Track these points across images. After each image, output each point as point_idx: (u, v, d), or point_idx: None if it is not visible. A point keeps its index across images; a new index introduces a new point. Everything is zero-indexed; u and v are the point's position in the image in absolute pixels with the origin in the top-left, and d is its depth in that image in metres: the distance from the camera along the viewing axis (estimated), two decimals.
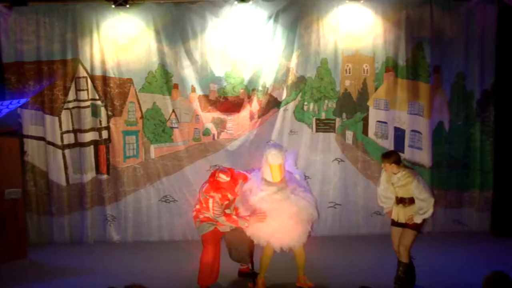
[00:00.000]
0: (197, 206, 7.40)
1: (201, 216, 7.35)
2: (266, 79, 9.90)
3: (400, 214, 7.09)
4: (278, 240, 7.20)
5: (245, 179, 7.55)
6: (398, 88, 10.01)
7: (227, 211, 7.43)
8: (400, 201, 7.05)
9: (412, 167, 9.42)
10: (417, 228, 7.08)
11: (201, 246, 7.50)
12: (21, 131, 9.62)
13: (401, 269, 7.07)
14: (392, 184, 7.06)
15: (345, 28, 9.88)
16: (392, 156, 7.02)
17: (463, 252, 9.03)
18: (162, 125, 9.94)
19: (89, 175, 9.87)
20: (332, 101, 10.04)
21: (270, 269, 7.62)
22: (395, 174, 6.98)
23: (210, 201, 7.20)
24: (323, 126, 10.07)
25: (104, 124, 9.87)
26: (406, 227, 7.06)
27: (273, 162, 7.10)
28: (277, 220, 7.12)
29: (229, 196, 7.35)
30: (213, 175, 7.34)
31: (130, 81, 9.83)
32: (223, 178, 7.24)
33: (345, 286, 7.57)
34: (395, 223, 7.21)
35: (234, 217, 7.31)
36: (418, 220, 6.96)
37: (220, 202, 7.25)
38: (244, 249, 7.65)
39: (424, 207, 6.91)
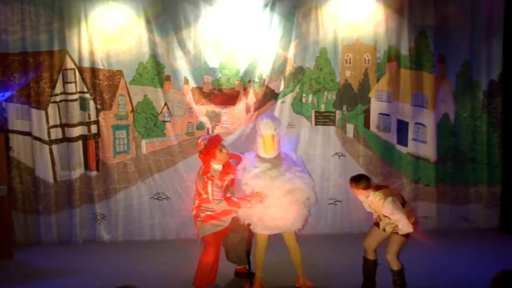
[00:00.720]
0: (196, 201, 7.27)
1: (202, 215, 7.22)
2: (263, 70, 9.81)
3: (387, 226, 6.95)
4: (272, 220, 7.06)
5: (239, 160, 7.54)
6: (401, 78, 9.96)
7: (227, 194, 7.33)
8: (385, 216, 6.90)
9: (417, 161, 10.02)
10: (405, 234, 6.90)
11: (195, 245, 7.49)
12: (6, 125, 9.48)
13: (396, 278, 6.94)
14: (368, 206, 6.97)
15: (345, 16, 9.81)
16: (361, 183, 6.80)
17: (471, 250, 8.97)
18: (154, 119, 9.84)
19: (78, 172, 9.76)
20: (332, 93, 9.97)
21: (268, 269, 7.60)
22: (367, 197, 6.85)
23: (209, 185, 7.03)
24: (323, 119, 10.01)
25: (93, 118, 9.74)
26: (393, 233, 6.91)
27: (265, 132, 7.02)
28: (270, 198, 7.01)
29: (226, 178, 7.27)
30: (200, 146, 7.26)
31: (120, 73, 9.71)
32: (203, 143, 7.21)
33: (346, 286, 7.51)
34: (379, 226, 7.06)
35: (235, 199, 7.17)
36: (402, 233, 6.82)
37: (219, 183, 7.09)
38: (242, 250, 7.62)
39: (400, 227, 6.77)
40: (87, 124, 9.77)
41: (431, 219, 10.16)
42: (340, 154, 10.05)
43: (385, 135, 10.04)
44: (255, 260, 7.41)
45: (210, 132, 9.79)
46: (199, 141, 7.30)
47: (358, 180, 6.85)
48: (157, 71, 9.73)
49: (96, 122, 9.78)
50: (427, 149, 10.05)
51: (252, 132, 9.62)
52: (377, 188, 6.89)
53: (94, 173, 9.80)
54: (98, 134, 9.79)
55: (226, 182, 7.30)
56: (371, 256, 7.16)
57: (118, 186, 9.86)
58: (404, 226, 6.72)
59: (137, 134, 9.85)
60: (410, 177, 10.11)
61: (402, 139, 10.03)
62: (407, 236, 6.83)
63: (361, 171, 9.63)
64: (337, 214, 10.11)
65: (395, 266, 6.89)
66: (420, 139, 10.06)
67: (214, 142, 7.17)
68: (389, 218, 6.83)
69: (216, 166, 7.20)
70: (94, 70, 9.66)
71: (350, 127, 10.07)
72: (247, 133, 9.81)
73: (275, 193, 7.02)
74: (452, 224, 10.18)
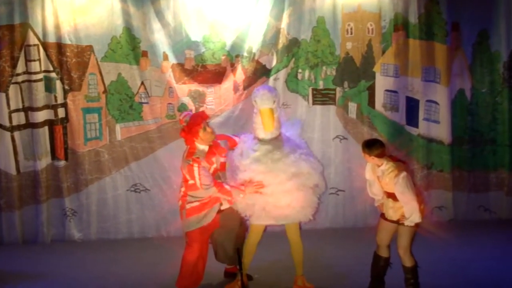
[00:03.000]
0: (182, 189, 7.17)
1: (188, 207, 7.09)
2: (252, 43, 9.72)
3: (390, 210, 6.80)
4: (276, 208, 6.92)
5: (234, 144, 7.41)
6: (410, 50, 9.91)
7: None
8: (389, 195, 6.76)
9: (429, 143, 9.99)
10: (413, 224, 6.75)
11: (179, 243, 7.45)
12: None
13: (408, 276, 6.81)
14: (377, 177, 6.80)
15: None
16: (374, 148, 6.64)
17: (492, 244, 8.91)
18: (129, 100, 9.73)
19: (44, 162, 9.63)
20: (331, 68, 9.90)
21: (263, 269, 7.68)
22: (379, 166, 6.71)
23: (195, 168, 6.86)
24: (321, 97, 9.92)
25: (60, 100, 9.60)
26: (400, 224, 6.76)
27: (262, 106, 6.86)
28: (273, 183, 6.87)
29: (214, 159, 7.14)
30: (182, 123, 7.19)
31: (90, 48, 9.61)
32: (185, 119, 7.11)
33: (350, 287, 7.42)
34: (385, 217, 6.93)
35: (227, 186, 7.00)
36: (408, 223, 6.65)
37: (207, 165, 6.97)
38: (232, 248, 7.48)
39: (406, 211, 6.61)
40: (54, 108, 9.61)
41: (446, 209, 10.08)
42: (341, 137, 9.95)
43: (393, 114, 9.97)
44: (244, 255, 7.28)
45: None
46: (181, 117, 7.24)
47: (372, 146, 6.67)
48: (132, 46, 9.62)
49: (64, 105, 9.63)
50: (441, 130, 9.99)
51: (241, 114, 9.66)
52: (392, 159, 6.73)
53: (62, 163, 9.68)
54: (66, 119, 9.65)
55: (214, 165, 7.16)
56: (383, 253, 7.00)
57: (90, 177, 9.75)
58: (413, 213, 6.54)
59: (111, 118, 9.73)
60: (422, 162, 10.04)
61: (412, 119, 9.98)
62: (416, 225, 6.68)
63: None
64: (340, 205, 10.06)
65: (408, 262, 6.76)
66: (432, 118, 9.98)
67: (196, 119, 7.03)
68: (393, 201, 6.68)
69: (202, 146, 7.08)
70: (60, 46, 9.52)
71: (352, 106, 9.97)
72: (236, 115, 9.74)
73: (279, 177, 6.87)
74: (470, 215, 10.15)
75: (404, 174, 6.53)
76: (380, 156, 6.62)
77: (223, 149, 7.34)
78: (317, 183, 7.11)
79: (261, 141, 7.00)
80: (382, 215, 6.93)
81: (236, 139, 7.45)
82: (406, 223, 6.61)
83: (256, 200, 6.92)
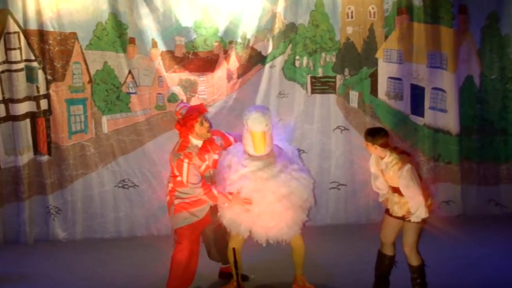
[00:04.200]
0: (170, 185, 7.15)
1: (176, 202, 7.07)
2: (247, 29, 9.66)
3: (395, 206, 6.73)
4: (263, 229, 6.91)
5: (228, 144, 7.36)
6: (414, 34, 9.86)
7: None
8: (394, 190, 6.69)
9: (436, 134, 9.91)
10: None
11: (171, 242, 7.32)
12: None
13: (415, 275, 6.75)
14: (381, 170, 6.72)
15: None
16: (378, 136, 6.56)
17: (503, 241, 8.84)
18: (116, 90, 9.67)
19: (26, 157, 9.57)
20: (331, 54, 9.85)
21: (259, 269, 7.68)
22: (382, 158, 6.64)
23: (185, 164, 6.83)
24: (321, 86, 9.84)
25: (42, 91, 9.54)
26: (405, 220, 6.71)
27: (254, 129, 6.81)
28: (261, 204, 6.82)
29: (207, 157, 7.09)
30: (178, 115, 7.14)
31: (74, 36, 9.52)
32: (182, 112, 7.04)
33: (352, 287, 7.39)
34: (390, 213, 6.88)
35: (215, 191, 6.95)
36: (415, 219, 6.58)
37: (198, 162, 6.95)
38: (226, 246, 7.39)
39: (412, 206, 6.55)
40: (36, 99, 9.55)
41: (455, 203, 10.03)
42: (342, 128, 9.88)
43: (397, 103, 9.91)
44: (229, 260, 7.27)
45: None
46: (177, 109, 7.16)
47: (376, 134, 6.57)
48: (118, 33, 9.56)
49: (47, 96, 9.57)
50: (448, 120, 9.93)
51: (235, 104, 9.63)
52: (396, 151, 6.63)
53: (45, 157, 9.62)
54: (49, 111, 9.59)
55: (206, 162, 7.12)
56: (388, 251, 6.94)
57: (75, 173, 9.68)
58: (419, 207, 6.45)
59: (97, 109, 9.68)
60: (428, 153, 10.00)
61: (418, 108, 9.94)
62: (422, 221, 6.62)
63: None
64: (341, 200, 9.98)
65: (415, 261, 6.70)
66: (439, 107, 9.93)
67: (193, 113, 7.00)
68: (399, 196, 6.58)
69: (196, 141, 7.06)
70: (42, 34, 9.45)
71: (354, 95, 9.92)
72: (229, 105, 9.70)
73: (267, 198, 6.85)
74: (480, 210, 10.09)
75: (408, 166, 6.44)
76: (384, 146, 6.52)
77: (218, 146, 7.29)
78: (306, 198, 7.06)
79: (251, 156, 6.95)
80: (387, 211, 6.85)
81: (231, 138, 7.40)
82: (412, 219, 6.52)
83: (242, 220, 6.92)
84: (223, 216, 7.00)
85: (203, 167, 7.04)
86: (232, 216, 6.93)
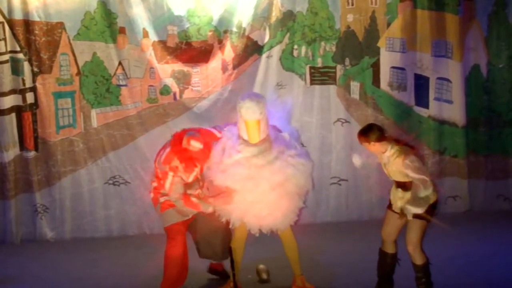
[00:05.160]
0: (154, 184, 7.14)
1: (162, 200, 7.05)
2: (242, 17, 9.65)
3: (398, 202, 6.63)
4: (256, 218, 6.84)
5: (215, 139, 7.32)
6: (418, 22, 9.87)
7: (191, 191, 7.03)
8: (399, 185, 6.64)
9: (441, 126, 9.92)
10: (423, 216, 6.52)
11: (163, 241, 7.25)
12: None
13: (420, 275, 6.65)
14: (384, 165, 6.67)
15: None
16: (371, 133, 6.51)
17: (511, 237, 8.81)
18: (106, 83, 9.63)
19: (11, 153, 9.51)
20: (331, 43, 9.82)
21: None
22: (383, 153, 6.55)
23: (170, 176, 6.80)
24: (320, 76, 9.81)
25: (28, 84, 9.49)
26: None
27: (248, 117, 6.74)
28: (255, 192, 6.75)
29: (196, 169, 7.06)
30: (178, 139, 6.97)
31: (61, 25, 9.46)
32: (196, 146, 6.84)
33: (355, 287, 7.28)
34: (393, 209, 6.84)
35: (194, 199, 6.92)
36: (409, 215, 6.46)
37: (184, 177, 6.88)
38: (217, 241, 7.39)
39: (420, 193, 6.38)
40: (22, 92, 9.50)
41: (461, 198, 10.03)
42: (343, 121, 9.86)
43: (400, 94, 9.93)
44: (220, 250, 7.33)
45: (177, 97, 9.69)
46: (192, 143, 6.81)
47: (368, 131, 6.51)
48: (108, 22, 9.52)
49: (33, 89, 9.52)
50: (454, 111, 9.95)
51: (231, 96, 9.55)
52: (398, 143, 6.59)
53: (32, 153, 9.58)
54: (35, 105, 9.55)
55: (196, 169, 7.08)
56: (389, 249, 6.85)
57: (63, 170, 9.63)
58: (427, 189, 6.32)
59: (86, 102, 9.64)
60: (433, 147, 9.99)
61: (422, 99, 9.94)
62: (428, 218, 6.50)
63: None
64: (342, 196, 9.95)
65: (419, 259, 6.58)
66: (444, 98, 9.94)
67: (198, 158, 6.94)
68: (403, 191, 6.47)
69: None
70: (28, 24, 9.41)
71: (355, 86, 9.90)
72: (224, 97, 9.66)
73: (261, 186, 6.78)
74: (488, 205, 10.10)
75: (412, 156, 6.40)
76: (380, 139, 6.46)
77: (207, 153, 7.13)
78: (303, 184, 7.02)
79: (246, 141, 6.88)
80: (389, 206, 6.78)
81: (218, 134, 7.35)
82: (409, 210, 6.39)
83: (234, 207, 6.90)
84: (216, 207, 6.97)
85: (193, 175, 7.02)
86: (224, 206, 6.91)
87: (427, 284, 6.62)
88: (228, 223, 7.28)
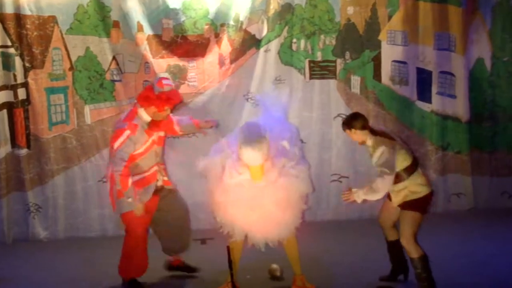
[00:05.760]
0: (110, 168, 7.27)
1: (120, 186, 7.17)
2: (239, 10, 9.61)
3: (392, 194, 6.90)
4: (261, 233, 6.87)
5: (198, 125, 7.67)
6: (420, 14, 9.84)
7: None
8: None
9: (444, 121, 9.93)
10: (417, 207, 6.72)
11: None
12: None
13: (418, 270, 6.72)
14: (370, 156, 6.89)
15: None
16: (353, 121, 6.78)
17: None
18: (100, 78, 9.58)
19: (3, 151, 9.47)
20: (331, 36, 9.80)
21: (256, 268, 7.55)
22: (365, 143, 6.83)
23: (125, 134, 6.93)
24: (320, 70, 9.81)
25: (20, 79, 9.43)
26: (403, 208, 6.81)
27: (251, 164, 6.67)
28: (258, 211, 6.74)
29: (155, 133, 7.24)
30: (144, 95, 7.16)
31: (53, 19, 9.39)
32: (169, 84, 7.14)
33: (356, 287, 7.29)
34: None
35: (130, 180, 7.04)
36: (357, 198, 6.78)
37: (143, 139, 7.05)
38: (181, 234, 7.65)
39: (377, 183, 6.60)
40: (13, 88, 9.45)
41: (465, 196, 10.02)
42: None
43: (402, 88, 9.90)
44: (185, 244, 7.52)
45: None
46: (164, 82, 7.13)
47: (351, 119, 6.80)
48: (101, 16, 9.47)
49: (25, 85, 9.46)
50: (457, 106, 9.94)
51: (228, 91, 9.63)
52: (379, 134, 6.80)
53: (24, 151, 9.52)
54: (27, 101, 9.50)
55: (153, 138, 7.25)
56: (389, 237, 7.15)
57: (56, 167, 9.58)
58: (378, 188, 6.58)
59: (79, 98, 9.59)
60: (436, 142, 9.99)
61: (424, 93, 9.92)
62: (422, 210, 6.70)
63: None
64: None
65: (414, 252, 6.68)
66: (447, 92, 9.92)
67: (170, 102, 7.11)
68: (393, 183, 6.68)
69: (146, 116, 7.16)
70: (19, 17, 9.34)
71: (355, 80, 9.89)
72: (221, 93, 9.65)
73: (265, 206, 6.77)
74: (493, 202, 10.06)
75: (385, 148, 6.57)
76: (362, 128, 6.70)
77: (169, 124, 7.45)
78: (306, 191, 7.03)
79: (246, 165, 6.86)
80: (389, 196, 6.95)
81: (176, 128, 7.58)
82: (356, 195, 6.68)
83: (236, 225, 6.88)
84: (217, 214, 6.94)
85: (149, 142, 7.13)
86: (228, 218, 6.86)
87: (428, 280, 6.65)
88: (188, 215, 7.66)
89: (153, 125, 7.12)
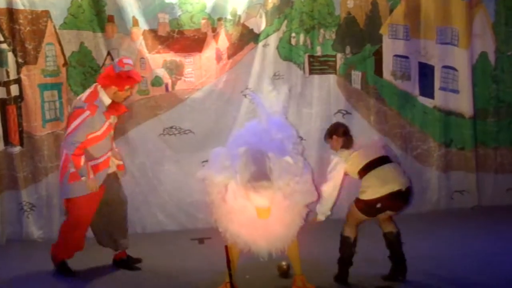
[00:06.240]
0: (65, 151, 7.45)
1: (72, 170, 7.29)
2: (237, 4, 9.59)
3: None
4: (266, 244, 6.83)
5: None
6: (422, 8, 9.85)
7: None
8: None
9: (447, 117, 9.95)
10: (357, 204, 7.15)
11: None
12: None
13: (340, 246, 7.33)
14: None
15: None
16: (339, 129, 7.42)
17: None
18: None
19: None
20: (331, 31, 9.78)
21: (255, 268, 7.46)
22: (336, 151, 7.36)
23: (84, 115, 7.10)
24: (319, 65, 9.78)
25: (13, 76, 9.32)
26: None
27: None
28: (263, 229, 6.72)
29: (112, 117, 7.45)
30: (105, 75, 7.43)
31: (46, 14, 9.32)
32: (129, 63, 7.40)
33: (357, 287, 7.26)
34: None
35: (83, 160, 7.23)
36: (321, 217, 7.38)
37: (101, 121, 7.24)
38: (121, 231, 7.80)
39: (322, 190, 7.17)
40: (6, 85, 9.35)
41: (469, 193, 10.01)
42: (344, 112, 9.80)
43: (404, 84, 9.90)
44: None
45: (170, 89, 9.61)
46: (124, 61, 7.42)
47: (337, 128, 7.48)
48: (96, 10, 9.42)
49: (18, 81, 9.35)
50: (461, 101, 9.92)
51: (226, 87, 9.59)
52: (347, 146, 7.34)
53: (17, 148, 9.42)
54: (20, 97, 9.39)
55: (110, 121, 7.43)
56: (384, 228, 7.28)
57: (50, 165, 9.47)
58: (323, 193, 7.11)
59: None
60: (439, 139, 9.99)
61: (427, 88, 9.90)
62: (361, 211, 7.06)
63: (373, 132, 9.76)
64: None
65: (344, 231, 7.27)
66: (450, 87, 9.90)
67: (130, 79, 7.33)
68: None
69: (106, 98, 7.34)
70: (11, 12, 9.24)
71: (356, 75, 9.86)
72: (219, 89, 9.60)
73: (271, 224, 6.74)
74: (497, 200, 10.07)
75: (337, 158, 7.28)
76: (342, 136, 7.33)
77: (124, 108, 7.64)
78: (310, 199, 7.01)
79: None
80: None
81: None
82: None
83: (239, 235, 6.81)
84: (220, 224, 6.87)
85: (106, 125, 7.27)
86: (234, 228, 6.75)
87: (341, 261, 7.13)
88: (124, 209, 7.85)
89: (112, 108, 7.24)
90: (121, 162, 7.73)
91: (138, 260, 7.87)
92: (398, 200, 6.96)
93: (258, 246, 6.85)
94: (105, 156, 7.40)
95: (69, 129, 7.11)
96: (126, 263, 7.85)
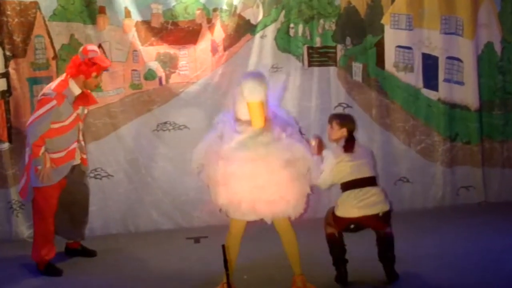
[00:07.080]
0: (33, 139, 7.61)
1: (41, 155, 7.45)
2: None
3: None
4: (267, 204, 6.73)
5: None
6: None
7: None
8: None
9: (452, 110, 9.94)
10: (333, 213, 7.28)
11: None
12: None
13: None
14: None
15: None
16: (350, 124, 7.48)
17: None
18: None
19: None
20: (330, 21, 9.76)
21: (253, 268, 7.57)
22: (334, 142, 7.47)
23: (50, 104, 7.23)
24: (319, 57, 9.77)
25: (0, 69, 9.24)
26: None
27: (251, 99, 6.67)
28: (265, 173, 6.67)
29: (80, 107, 7.62)
30: (73, 64, 7.60)
31: (35, 5, 9.24)
32: (94, 49, 7.65)
33: (358, 286, 7.27)
34: None
35: (43, 150, 7.42)
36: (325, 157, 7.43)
37: (67, 112, 7.38)
38: (73, 218, 7.98)
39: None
40: None
41: (475, 189, 9.99)
42: (345, 105, 9.78)
43: (407, 76, 9.86)
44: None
45: (163, 82, 9.59)
46: (89, 48, 7.67)
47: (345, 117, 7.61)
48: (86, 1, 9.35)
49: (5, 75, 9.27)
50: (466, 93, 9.90)
51: (222, 80, 9.56)
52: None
53: (5, 145, 9.34)
54: (8, 92, 9.31)
55: (78, 112, 7.57)
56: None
57: None
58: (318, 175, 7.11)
59: None
60: (444, 133, 9.95)
61: (431, 80, 9.88)
62: (334, 221, 7.20)
63: (376, 126, 9.82)
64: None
65: (327, 229, 7.31)
66: (455, 79, 9.89)
67: (97, 65, 7.53)
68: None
69: (75, 88, 7.48)
70: None
71: (357, 67, 9.84)
72: (215, 82, 9.57)
73: (271, 165, 6.68)
74: (504, 196, 10.06)
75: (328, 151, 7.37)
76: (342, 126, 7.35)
77: (94, 99, 7.90)
78: (309, 168, 6.98)
79: (245, 121, 6.82)
80: None
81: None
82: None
83: (243, 196, 6.73)
84: (219, 196, 6.80)
85: (73, 116, 7.40)
86: (229, 195, 6.71)
87: (335, 262, 7.18)
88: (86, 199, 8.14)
89: (81, 99, 7.39)
90: (85, 156, 7.88)
91: (92, 253, 8.20)
92: (374, 220, 7.05)
93: (261, 206, 6.79)
94: (70, 148, 7.51)
95: (34, 116, 7.26)
96: (80, 252, 8.16)
